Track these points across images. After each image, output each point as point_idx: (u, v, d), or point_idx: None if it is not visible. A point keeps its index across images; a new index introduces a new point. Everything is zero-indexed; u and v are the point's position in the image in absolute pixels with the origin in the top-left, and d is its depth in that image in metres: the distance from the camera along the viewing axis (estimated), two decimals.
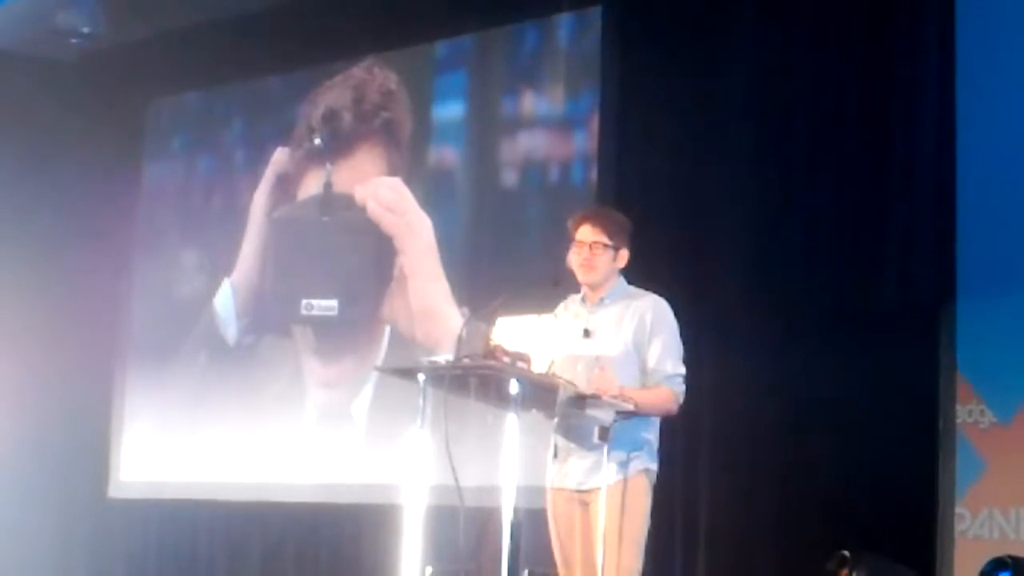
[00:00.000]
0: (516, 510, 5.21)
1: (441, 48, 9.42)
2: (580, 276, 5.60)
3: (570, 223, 5.63)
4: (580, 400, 5.33)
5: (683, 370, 5.56)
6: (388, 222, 9.24)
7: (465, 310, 8.52)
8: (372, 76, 9.54)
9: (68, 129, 10.64)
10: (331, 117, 9.66)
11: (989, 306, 6.94)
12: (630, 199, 7.77)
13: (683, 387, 5.55)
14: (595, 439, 5.39)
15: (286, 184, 9.87)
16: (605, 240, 5.56)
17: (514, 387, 5.20)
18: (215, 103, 10.60)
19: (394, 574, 5.48)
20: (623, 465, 5.43)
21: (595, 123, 8.42)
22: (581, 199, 8.18)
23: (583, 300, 5.65)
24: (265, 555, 9.54)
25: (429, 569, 5.51)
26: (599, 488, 5.40)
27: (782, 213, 7.50)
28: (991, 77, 7.05)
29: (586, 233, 5.57)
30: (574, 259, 5.59)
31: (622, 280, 5.65)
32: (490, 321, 5.51)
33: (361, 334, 9.31)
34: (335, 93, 9.69)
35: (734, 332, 7.44)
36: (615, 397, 5.31)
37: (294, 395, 9.61)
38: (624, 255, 5.62)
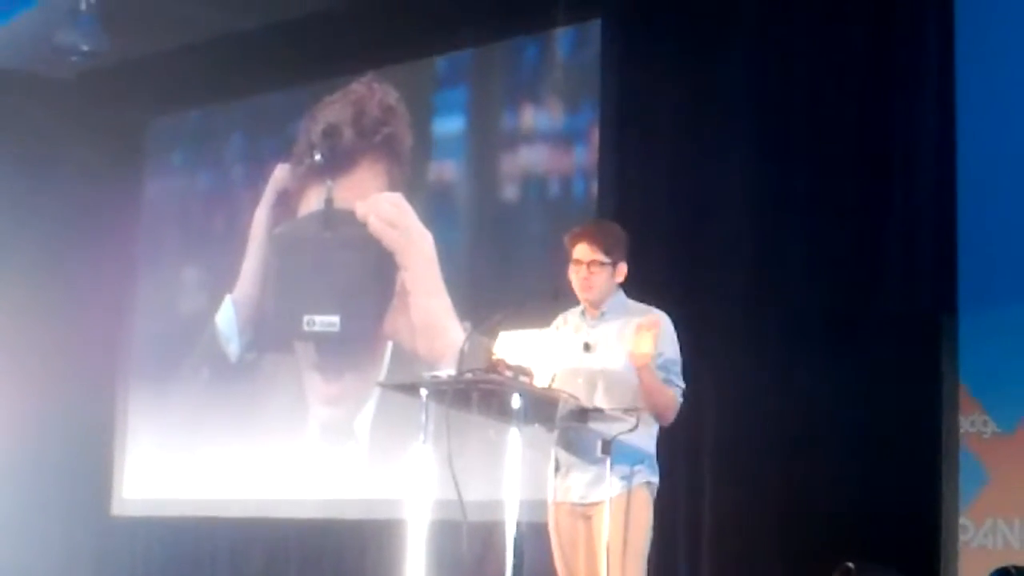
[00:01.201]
0: (519, 524, 5.20)
1: (441, 63, 9.43)
2: (580, 295, 5.60)
3: (566, 240, 5.62)
4: (582, 414, 5.33)
5: (682, 384, 5.56)
6: (389, 237, 9.24)
7: (467, 324, 8.52)
8: (372, 91, 9.55)
9: (68, 146, 10.65)
10: (331, 133, 9.67)
11: (991, 316, 6.93)
12: (630, 212, 7.77)
13: (681, 399, 5.55)
14: (598, 453, 5.39)
15: (287, 200, 9.88)
16: (602, 258, 5.55)
17: (516, 401, 5.20)
18: (215, 120, 10.61)
19: None
20: (626, 479, 5.44)
21: (595, 136, 8.43)
22: (581, 213, 8.18)
23: (583, 314, 5.65)
24: (268, 572, 9.53)
25: None
26: (601, 502, 5.41)
27: (782, 224, 7.50)
28: (992, 84, 7.05)
29: (583, 252, 5.56)
30: (573, 278, 5.59)
31: (621, 293, 5.65)
32: (492, 335, 5.52)
33: (363, 350, 9.31)
34: (335, 109, 9.70)
35: (735, 343, 7.44)
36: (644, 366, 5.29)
37: (296, 411, 9.60)
38: (622, 269, 5.61)
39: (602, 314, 5.60)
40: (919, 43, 7.25)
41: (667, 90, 7.93)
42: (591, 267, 5.55)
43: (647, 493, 5.50)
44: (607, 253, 5.56)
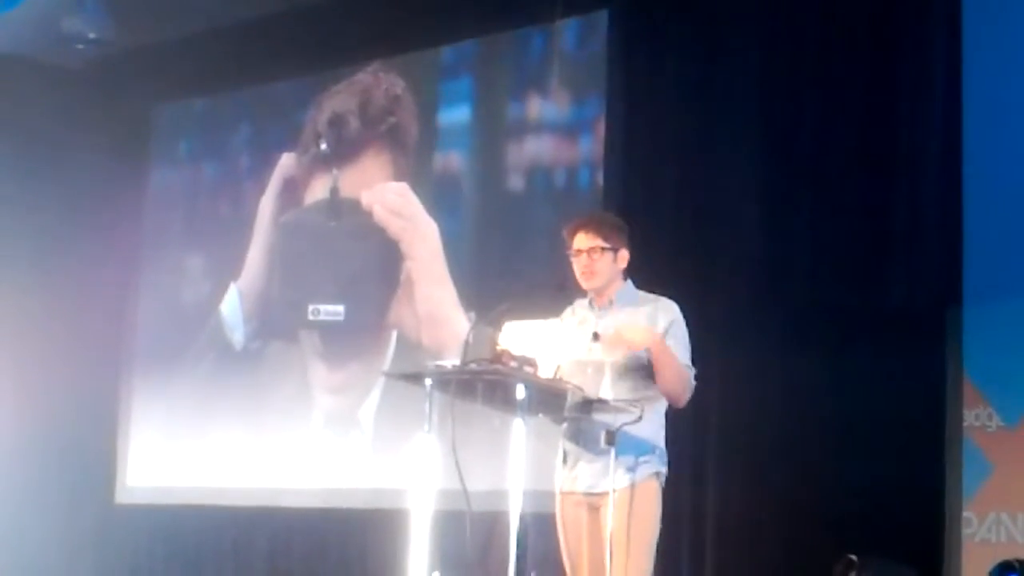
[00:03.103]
0: (523, 515, 5.21)
1: (447, 53, 9.42)
2: (584, 284, 5.60)
3: (565, 235, 5.65)
4: (587, 405, 5.34)
5: (694, 369, 5.57)
6: (394, 227, 9.25)
7: (471, 315, 8.53)
8: (378, 81, 9.55)
9: (74, 134, 10.65)
10: (337, 122, 9.67)
11: (996, 310, 6.93)
12: (636, 203, 7.78)
13: (694, 383, 5.55)
14: (602, 444, 5.39)
15: (293, 189, 9.88)
16: (601, 243, 5.56)
17: (521, 392, 5.21)
18: (222, 108, 10.61)
19: None
20: (631, 470, 5.43)
21: (601, 127, 8.42)
22: (587, 204, 8.19)
23: (591, 304, 5.65)
24: (272, 560, 9.54)
25: (436, 574, 5.50)
26: (608, 492, 5.40)
27: (788, 217, 7.50)
28: (998, 81, 7.05)
29: (582, 241, 5.58)
30: (576, 268, 5.60)
31: (629, 283, 5.66)
32: (496, 326, 5.52)
33: (368, 339, 9.32)
34: (341, 98, 9.70)
35: (741, 336, 7.44)
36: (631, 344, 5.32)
37: (301, 400, 9.61)
38: (624, 255, 5.62)
39: (610, 303, 5.61)
40: (926, 37, 7.25)
41: (673, 82, 7.94)
42: (591, 254, 5.56)
43: (655, 484, 5.50)
44: (606, 239, 5.58)
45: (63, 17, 9.24)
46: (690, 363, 5.57)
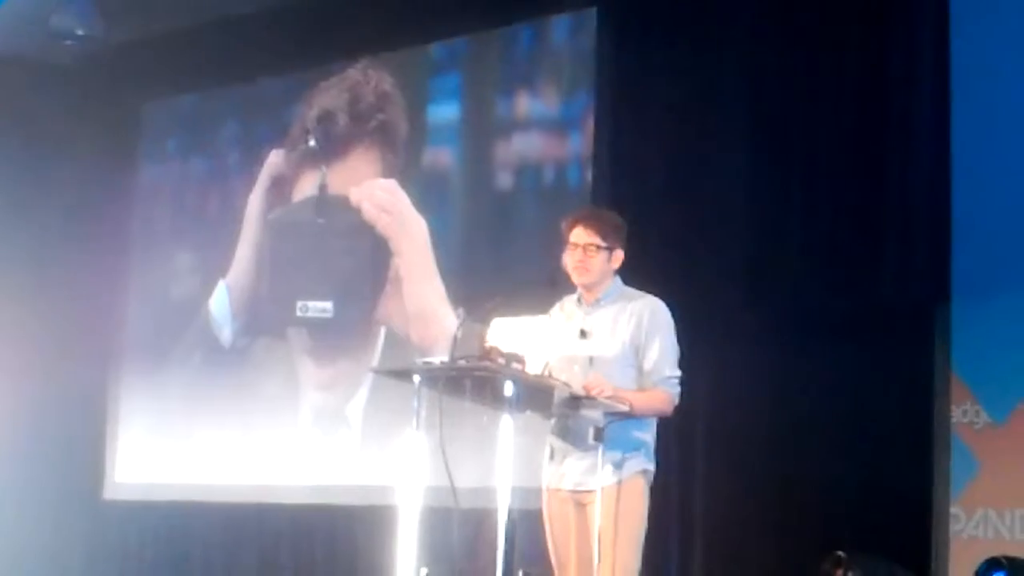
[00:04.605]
0: (511, 511, 5.21)
1: (436, 49, 9.42)
2: (575, 278, 5.61)
3: (563, 225, 5.64)
4: (575, 401, 5.34)
5: (679, 373, 5.57)
6: (383, 223, 9.24)
7: (460, 311, 8.52)
8: (367, 78, 9.54)
9: (63, 131, 10.62)
10: (326, 119, 9.66)
11: (984, 306, 6.94)
12: (625, 200, 7.76)
13: (679, 389, 5.56)
14: (590, 440, 5.39)
15: (281, 186, 9.87)
16: (598, 242, 5.56)
17: (509, 388, 5.21)
18: (210, 105, 10.59)
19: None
20: (618, 466, 5.44)
21: (590, 124, 8.42)
22: (576, 200, 8.18)
23: (579, 301, 5.66)
24: (260, 557, 9.53)
25: (424, 570, 5.49)
26: (595, 489, 5.40)
27: (778, 214, 7.50)
28: (987, 78, 7.05)
29: (579, 235, 5.58)
30: (568, 261, 5.60)
31: (618, 281, 5.66)
32: (485, 322, 5.53)
33: (356, 336, 9.31)
34: (330, 95, 9.68)
35: (729, 333, 7.44)
36: (609, 398, 5.32)
37: (289, 397, 9.60)
38: (619, 256, 5.62)
39: (598, 301, 5.61)
40: (915, 34, 7.25)
41: (662, 77, 7.93)
42: (587, 250, 5.56)
43: (642, 481, 5.51)
44: (603, 238, 5.58)
45: (51, 14, 9.21)
46: (676, 364, 5.57)
